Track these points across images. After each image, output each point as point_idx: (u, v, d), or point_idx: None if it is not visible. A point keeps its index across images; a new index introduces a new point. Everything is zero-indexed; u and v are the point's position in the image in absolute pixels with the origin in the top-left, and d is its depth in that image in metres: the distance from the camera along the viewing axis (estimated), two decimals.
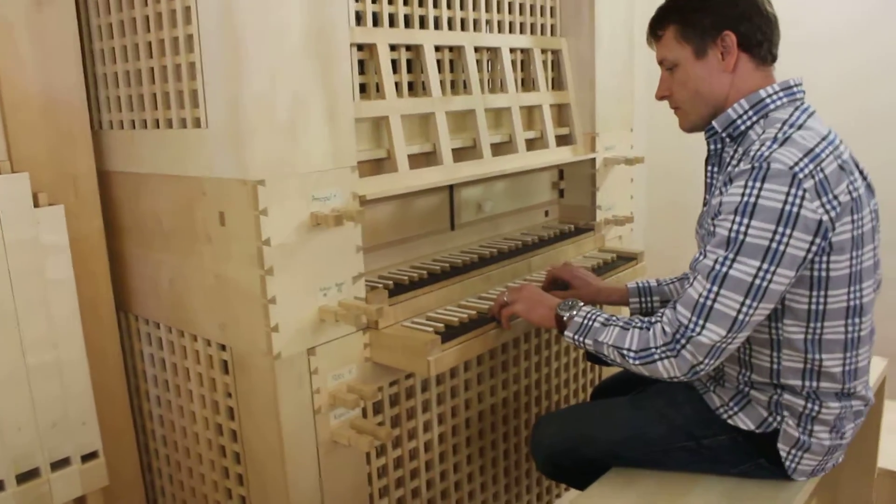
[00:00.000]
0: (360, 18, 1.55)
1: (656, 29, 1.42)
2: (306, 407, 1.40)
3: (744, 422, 1.37)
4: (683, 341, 1.22)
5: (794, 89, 1.35)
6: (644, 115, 2.84)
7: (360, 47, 1.55)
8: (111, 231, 1.62)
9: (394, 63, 1.63)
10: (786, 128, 1.27)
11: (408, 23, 1.65)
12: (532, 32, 1.97)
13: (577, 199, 2.14)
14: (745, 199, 1.20)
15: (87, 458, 1.52)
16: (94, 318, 1.58)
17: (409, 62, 1.67)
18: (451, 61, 1.76)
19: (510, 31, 1.91)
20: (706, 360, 1.22)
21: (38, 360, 1.43)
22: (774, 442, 1.36)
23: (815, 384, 1.32)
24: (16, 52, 1.42)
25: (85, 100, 1.52)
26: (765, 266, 1.18)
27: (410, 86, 1.68)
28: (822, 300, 1.26)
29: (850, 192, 1.23)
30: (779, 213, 1.18)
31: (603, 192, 2.11)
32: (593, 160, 2.07)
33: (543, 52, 1.99)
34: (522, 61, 1.96)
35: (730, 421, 1.38)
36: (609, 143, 2.10)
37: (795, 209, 1.18)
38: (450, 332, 1.47)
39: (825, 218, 1.19)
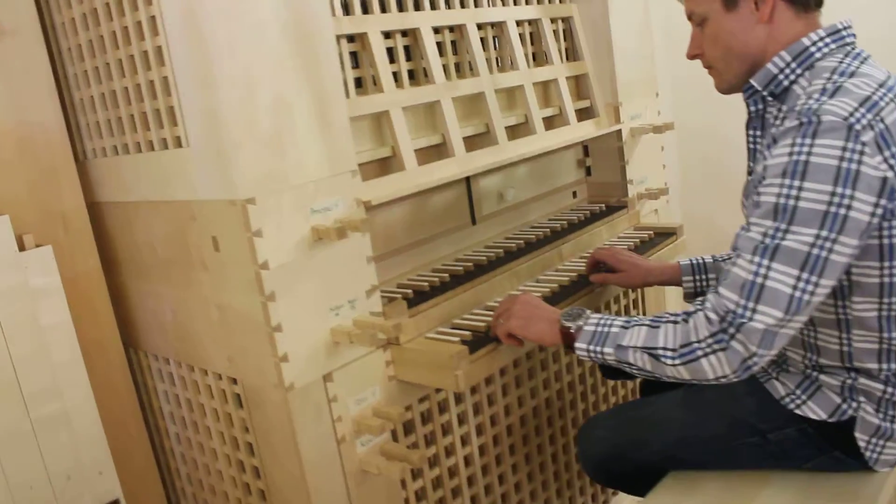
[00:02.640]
0: (347, 7, 1.41)
1: None
2: (328, 438, 1.28)
3: (814, 411, 1.22)
4: (733, 330, 1.05)
5: (843, 33, 1.18)
6: (667, 76, 2.66)
7: (350, 38, 1.42)
8: (110, 266, 1.52)
9: (391, 52, 1.49)
10: (836, 76, 1.11)
11: (401, 6, 1.51)
12: (539, 1, 1.81)
13: (605, 176, 1.99)
14: (795, 158, 1.04)
15: None
16: (102, 359, 1.48)
17: (407, 49, 1.53)
18: (453, 43, 1.62)
19: (514, 3, 1.75)
20: (760, 351, 1.05)
21: (43, 412, 1.34)
22: (850, 431, 1.21)
23: (894, 366, 1.16)
24: None
25: (65, 130, 1.42)
26: (824, 233, 1.02)
27: (411, 74, 1.55)
28: (892, 272, 1.10)
29: None
30: (836, 171, 1.01)
31: (633, 165, 1.96)
32: (619, 132, 1.91)
33: (553, 21, 1.84)
34: (531, 34, 1.80)
35: (798, 411, 1.23)
36: (634, 112, 1.94)
37: (855, 166, 1.01)
38: (478, 341, 1.34)
39: (890, 175, 1.03)
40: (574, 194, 2.00)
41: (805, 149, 1.04)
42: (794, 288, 1.03)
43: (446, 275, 1.51)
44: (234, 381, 1.33)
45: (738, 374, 1.08)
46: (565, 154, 1.95)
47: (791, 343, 1.25)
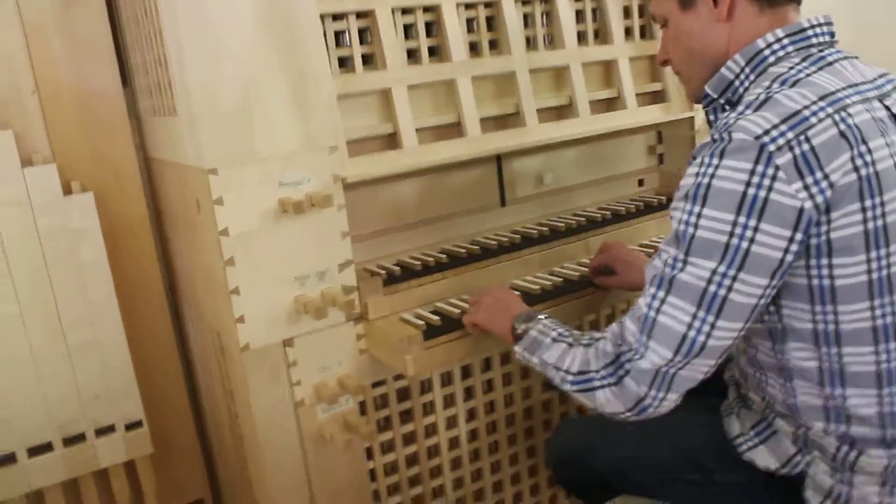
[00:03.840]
0: None
1: None
2: (285, 399, 1.35)
3: (764, 458, 1.08)
4: (628, 365, 0.96)
5: (809, 32, 1.01)
6: None
7: (362, 14, 1.43)
8: (160, 215, 1.69)
9: (411, 28, 1.49)
10: (775, 85, 0.96)
11: None
12: None
13: (677, 166, 1.83)
14: (699, 180, 0.92)
15: (131, 426, 1.61)
16: (143, 298, 1.67)
17: (432, 25, 1.52)
18: (489, 19, 1.57)
19: None
20: (652, 392, 0.95)
21: (78, 337, 1.54)
22: (801, 489, 1.05)
23: (842, 427, 0.99)
24: (49, 53, 1.51)
25: (121, 90, 1.59)
26: (721, 269, 0.89)
27: (434, 50, 1.53)
28: (831, 318, 0.94)
29: (856, 170, 0.89)
30: (740, 197, 0.89)
31: None
32: (691, 119, 1.74)
33: None
34: (595, 10, 1.69)
35: (746, 455, 1.09)
36: None
37: (763, 193, 0.88)
38: (442, 328, 1.33)
39: (808, 205, 0.88)
40: (640, 182, 1.87)
41: (710, 170, 0.91)
42: (689, 327, 0.92)
43: (445, 256, 1.50)
44: (219, 334, 1.44)
45: (636, 414, 0.99)
46: (632, 139, 1.81)
47: (749, 382, 1.11)
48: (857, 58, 1.04)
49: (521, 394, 1.62)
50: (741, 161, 0.89)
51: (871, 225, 0.90)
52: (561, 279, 1.48)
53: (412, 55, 1.50)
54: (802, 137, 0.89)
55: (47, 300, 1.51)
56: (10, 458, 1.52)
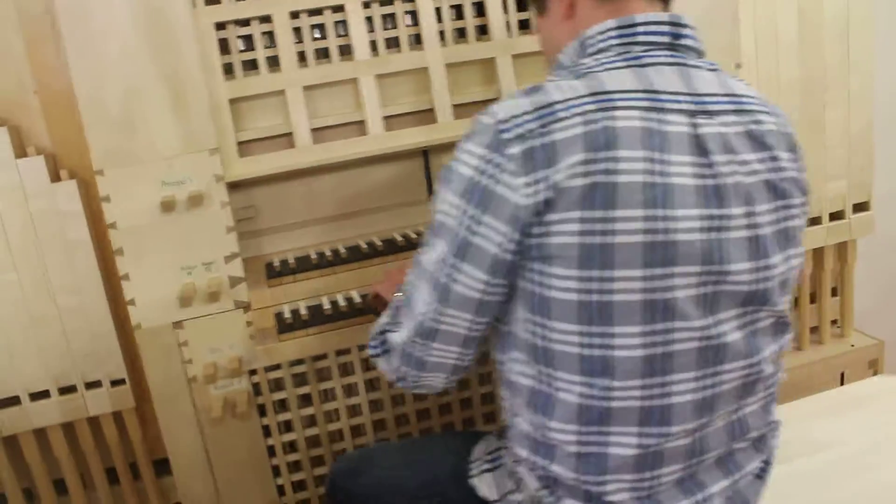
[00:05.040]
0: None
1: None
2: (178, 375, 1.50)
3: (485, 486, 1.05)
4: (388, 337, 0.99)
5: (640, 28, 0.91)
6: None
7: (265, 19, 1.51)
8: None
9: (321, 27, 1.54)
10: (561, 73, 0.91)
11: None
12: None
13: None
14: (450, 160, 0.91)
15: (115, 383, 1.87)
16: None
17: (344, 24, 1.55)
18: (411, 13, 1.56)
19: None
20: (404, 368, 0.97)
21: (66, 302, 1.80)
22: None
23: (545, 461, 0.92)
24: (48, 63, 1.76)
25: None
26: (446, 256, 0.88)
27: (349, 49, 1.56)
28: (542, 332, 0.88)
29: (586, 175, 0.81)
30: (467, 183, 0.86)
31: None
32: None
33: None
34: None
35: (472, 481, 1.06)
36: None
37: (486, 181, 0.85)
38: (306, 322, 1.40)
39: (525, 202, 0.82)
40: None
41: (458, 152, 0.89)
42: (424, 313, 0.92)
43: (344, 250, 1.55)
44: None
45: (403, 386, 1.01)
46: None
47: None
48: (713, 70, 0.92)
49: None
50: (478, 146, 0.86)
51: (590, 239, 0.82)
52: None
53: (326, 55, 1.55)
54: (545, 130, 0.83)
55: (40, 270, 1.79)
56: (15, 401, 1.83)
